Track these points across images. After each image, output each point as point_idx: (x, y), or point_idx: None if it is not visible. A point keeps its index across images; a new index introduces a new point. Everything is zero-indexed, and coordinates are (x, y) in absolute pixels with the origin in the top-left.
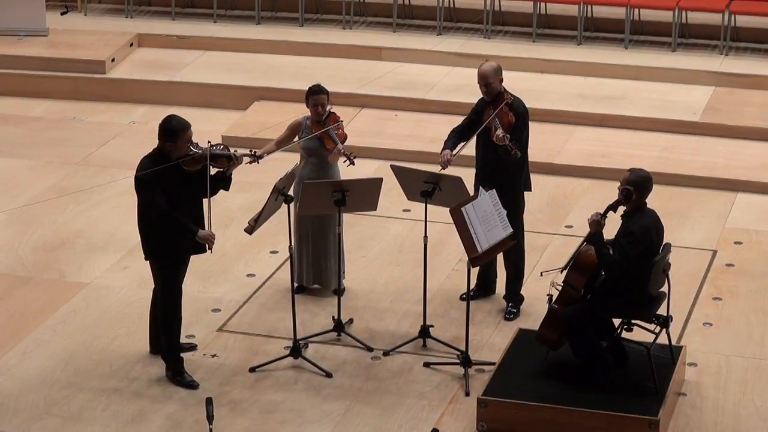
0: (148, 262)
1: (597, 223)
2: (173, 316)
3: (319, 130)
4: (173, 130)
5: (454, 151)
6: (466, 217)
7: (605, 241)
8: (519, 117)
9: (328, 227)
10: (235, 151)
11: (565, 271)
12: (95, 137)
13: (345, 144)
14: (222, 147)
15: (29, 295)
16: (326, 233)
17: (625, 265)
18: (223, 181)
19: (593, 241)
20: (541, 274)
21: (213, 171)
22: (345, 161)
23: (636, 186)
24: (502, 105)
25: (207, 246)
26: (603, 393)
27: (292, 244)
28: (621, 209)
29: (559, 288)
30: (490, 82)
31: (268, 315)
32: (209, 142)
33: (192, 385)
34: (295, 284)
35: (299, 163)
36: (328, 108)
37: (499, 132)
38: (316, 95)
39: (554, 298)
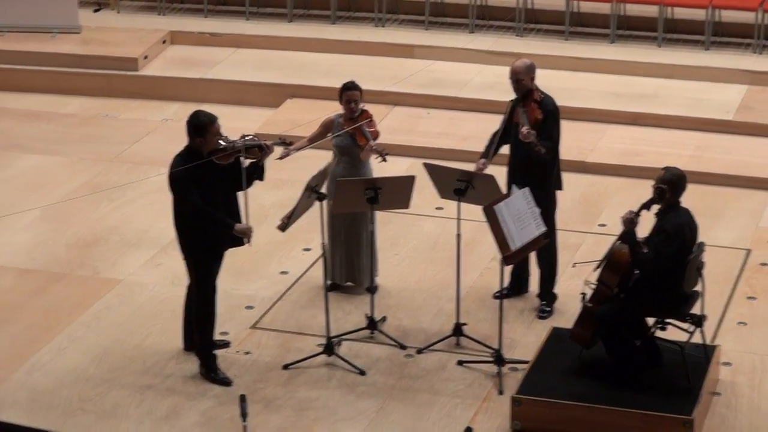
0: (181, 258)
1: (630, 221)
2: (208, 313)
3: (351, 126)
4: (201, 125)
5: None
6: (499, 216)
7: (639, 240)
8: (548, 115)
9: (360, 225)
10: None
11: (598, 270)
12: (128, 134)
13: (377, 141)
14: (251, 137)
15: (63, 291)
16: (359, 231)
17: (659, 263)
18: (257, 171)
19: (627, 240)
20: (574, 265)
21: (246, 163)
22: (377, 158)
23: (670, 184)
24: (530, 102)
25: (245, 239)
26: (637, 392)
27: (325, 241)
28: (655, 208)
29: (593, 286)
30: (520, 78)
31: (301, 312)
32: (242, 135)
33: (225, 382)
34: (328, 282)
35: (332, 161)
36: (360, 105)
37: (524, 129)
38: (349, 91)
39: (588, 297)
